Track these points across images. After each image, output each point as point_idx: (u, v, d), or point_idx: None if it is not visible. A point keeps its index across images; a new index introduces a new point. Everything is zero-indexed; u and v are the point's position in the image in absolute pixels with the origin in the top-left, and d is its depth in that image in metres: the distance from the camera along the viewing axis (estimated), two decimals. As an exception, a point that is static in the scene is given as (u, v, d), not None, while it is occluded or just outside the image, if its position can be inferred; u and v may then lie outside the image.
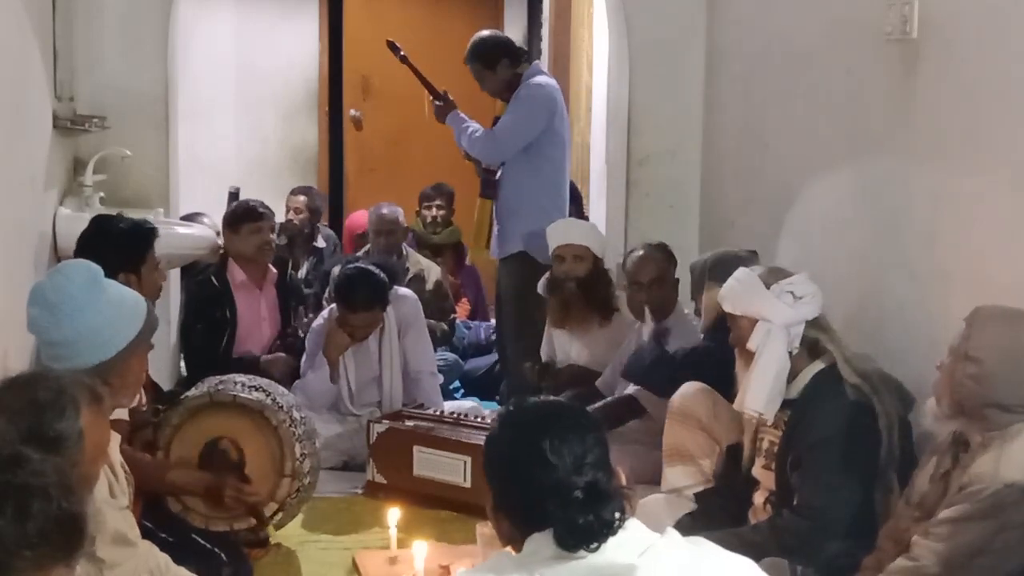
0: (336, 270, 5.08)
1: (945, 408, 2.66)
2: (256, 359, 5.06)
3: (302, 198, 6.49)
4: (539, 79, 5.13)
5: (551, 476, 1.86)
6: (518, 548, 1.91)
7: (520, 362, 4.99)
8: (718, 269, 3.76)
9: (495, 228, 5.23)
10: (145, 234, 3.92)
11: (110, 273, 3.48)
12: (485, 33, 5.28)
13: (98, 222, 3.97)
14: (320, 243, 6.50)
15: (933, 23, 3.40)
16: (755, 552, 2.41)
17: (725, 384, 3.55)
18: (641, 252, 4.45)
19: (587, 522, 1.83)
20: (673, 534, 1.93)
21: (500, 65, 5.09)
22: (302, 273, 6.17)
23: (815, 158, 4.24)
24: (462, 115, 5.19)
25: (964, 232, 3.26)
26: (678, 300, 4.46)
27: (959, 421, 2.63)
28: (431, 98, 5.23)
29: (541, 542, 1.86)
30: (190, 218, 5.58)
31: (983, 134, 3.17)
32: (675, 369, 3.93)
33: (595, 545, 1.84)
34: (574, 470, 1.86)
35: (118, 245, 3.81)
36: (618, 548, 1.85)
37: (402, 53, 5.26)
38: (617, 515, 1.86)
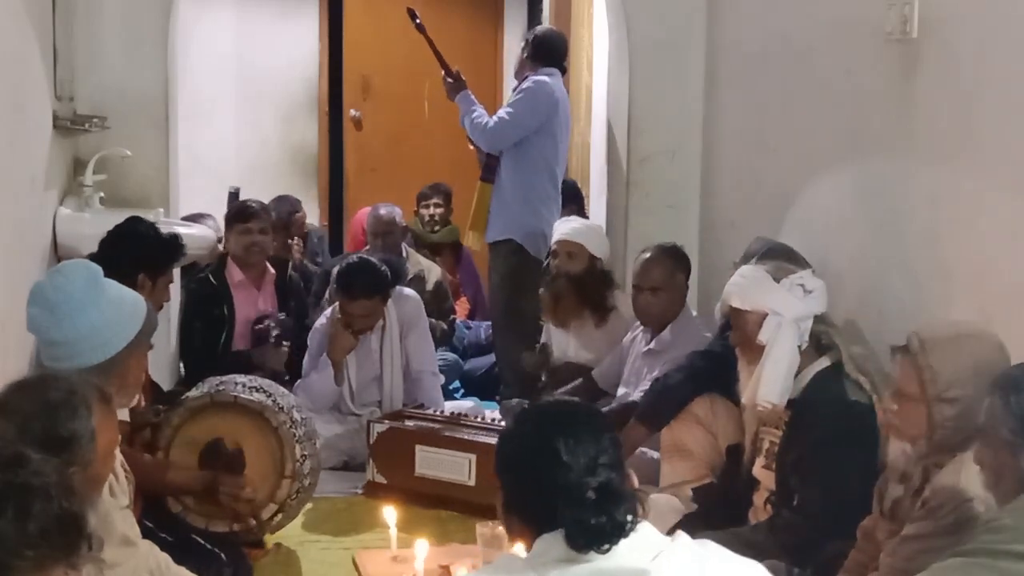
0: (336, 269, 5.07)
1: (923, 449, 2.55)
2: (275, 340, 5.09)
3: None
4: (543, 76, 5.25)
5: (564, 476, 1.82)
6: (528, 547, 1.87)
7: (509, 349, 5.04)
8: (771, 255, 3.58)
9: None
10: (177, 248, 3.94)
11: (130, 272, 3.49)
12: (549, 28, 5.80)
13: (135, 221, 3.94)
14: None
15: (933, 23, 3.40)
16: (755, 552, 2.39)
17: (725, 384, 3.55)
18: (648, 255, 4.38)
19: (599, 523, 1.79)
20: (683, 538, 1.90)
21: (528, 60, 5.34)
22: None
23: (815, 158, 4.24)
24: (472, 96, 5.35)
25: (964, 232, 3.25)
26: (685, 305, 4.42)
27: (937, 456, 2.51)
28: (443, 74, 5.39)
29: (551, 542, 1.81)
30: (194, 219, 5.59)
31: (983, 134, 3.17)
32: (687, 398, 3.78)
33: (606, 547, 1.80)
34: (587, 471, 1.82)
35: (151, 248, 3.81)
36: (629, 551, 1.81)
37: (419, 21, 5.40)
38: (629, 517, 1.82)
